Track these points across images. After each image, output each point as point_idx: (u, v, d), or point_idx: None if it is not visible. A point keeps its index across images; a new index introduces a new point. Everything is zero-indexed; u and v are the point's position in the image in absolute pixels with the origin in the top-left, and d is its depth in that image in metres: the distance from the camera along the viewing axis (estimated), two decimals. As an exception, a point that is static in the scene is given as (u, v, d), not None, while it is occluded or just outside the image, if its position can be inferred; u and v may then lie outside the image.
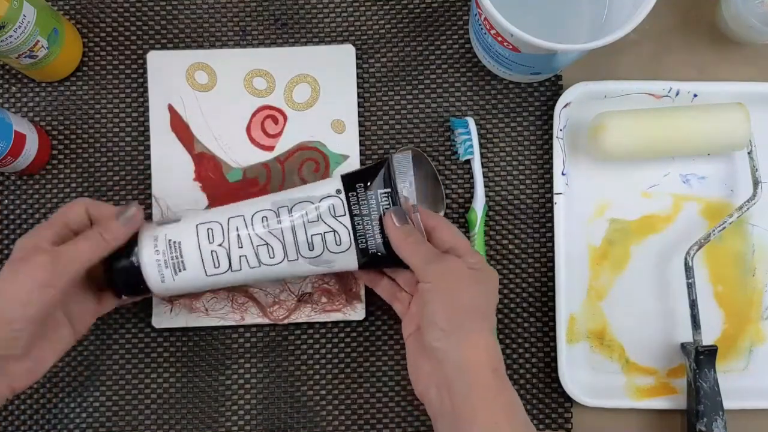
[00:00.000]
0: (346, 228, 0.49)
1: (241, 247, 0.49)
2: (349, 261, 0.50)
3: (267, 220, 0.49)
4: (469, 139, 0.57)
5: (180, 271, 0.49)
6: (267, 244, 0.49)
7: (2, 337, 0.44)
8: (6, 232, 0.58)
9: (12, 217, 0.58)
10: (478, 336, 0.45)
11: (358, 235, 0.49)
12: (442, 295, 0.46)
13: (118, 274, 0.49)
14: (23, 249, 0.46)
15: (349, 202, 0.49)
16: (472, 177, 0.59)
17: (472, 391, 0.44)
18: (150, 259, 0.49)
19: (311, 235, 0.49)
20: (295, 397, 0.57)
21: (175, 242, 0.49)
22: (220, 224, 0.49)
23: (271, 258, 0.49)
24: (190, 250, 0.49)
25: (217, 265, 0.49)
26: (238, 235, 0.49)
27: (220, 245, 0.49)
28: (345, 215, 0.49)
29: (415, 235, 0.48)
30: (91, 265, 0.47)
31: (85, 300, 0.50)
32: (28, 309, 0.44)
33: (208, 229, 0.49)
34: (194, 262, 0.49)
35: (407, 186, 0.49)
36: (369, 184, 0.49)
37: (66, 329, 0.49)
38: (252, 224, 0.49)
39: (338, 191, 0.49)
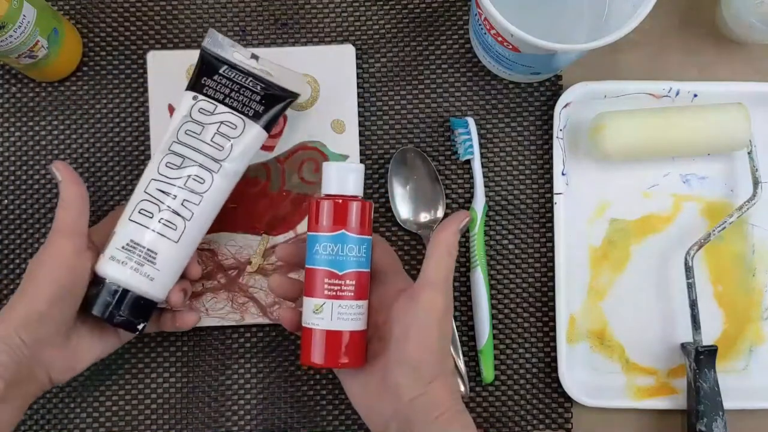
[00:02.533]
0: (227, 110, 0.50)
1: (176, 197, 0.49)
2: (255, 134, 0.51)
3: (172, 162, 0.50)
4: (469, 139, 0.57)
5: (153, 258, 0.48)
6: (189, 176, 0.49)
7: (33, 318, 0.45)
8: (6, 232, 0.58)
9: (11, 217, 0.58)
10: (444, 377, 0.45)
11: (239, 108, 0.50)
12: (430, 337, 0.45)
13: (125, 311, 0.48)
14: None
15: (208, 95, 0.50)
16: (472, 177, 0.59)
17: (436, 424, 0.44)
18: (124, 272, 0.48)
19: (210, 139, 0.50)
20: (295, 397, 0.57)
21: (127, 242, 0.48)
22: (146, 199, 0.49)
23: (202, 183, 0.49)
24: (142, 235, 0.48)
25: (174, 227, 0.49)
26: (163, 191, 0.49)
27: (161, 211, 0.49)
28: (215, 105, 0.50)
29: (455, 249, 0.47)
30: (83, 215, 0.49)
31: None
32: (46, 287, 0.46)
33: (140, 210, 0.49)
34: (156, 240, 0.48)
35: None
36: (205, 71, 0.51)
37: (114, 333, 0.50)
38: (164, 174, 0.49)
39: (195, 97, 0.51)
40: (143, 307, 0.49)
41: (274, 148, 0.58)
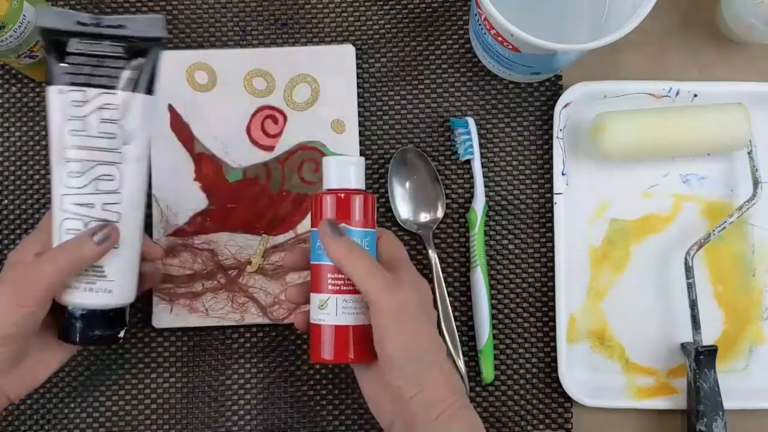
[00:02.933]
0: (98, 91, 0.45)
1: (94, 205, 0.46)
2: (141, 104, 0.47)
3: (72, 171, 0.46)
4: (469, 139, 0.57)
5: (102, 272, 0.47)
6: (96, 179, 0.46)
7: None
8: (6, 232, 0.58)
9: (11, 217, 0.58)
10: (438, 371, 0.44)
11: (109, 84, 0.46)
12: (400, 336, 0.43)
13: (98, 329, 0.47)
14: (8, 264, 0.46)
15: (70, 83, 0.45)
16: (472, 177, 0.59)
17: (436, 424, 0.43)
18: (81, 296, 0.46)
19: (97, 132, 0.45)
20: (296, 397, 0.57)
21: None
22: (67, 217, 0.46)
23: (112, 180, 0.46)
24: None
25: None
26: (80, 203, 0.46)
27: (87, 225, 0.46)
28: (82, 90, 0.45)
29: (360, 252, 0.44)
30: (63, 283, 0.45)
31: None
32: (3, 328, 0.44)
33: (66, 230, 0.46)
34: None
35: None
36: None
37: (54, 346, 0.48)
38: (71, 186, 0.46)
39: (60, 91, 0.45)
40: (114, 317, 0.48)
41: (274, 148, 0.58)
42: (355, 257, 0.44)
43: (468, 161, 0.58)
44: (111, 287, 0.47)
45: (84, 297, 0.46)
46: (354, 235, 0.46)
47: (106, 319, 0.47)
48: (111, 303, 0.47)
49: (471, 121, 0.58)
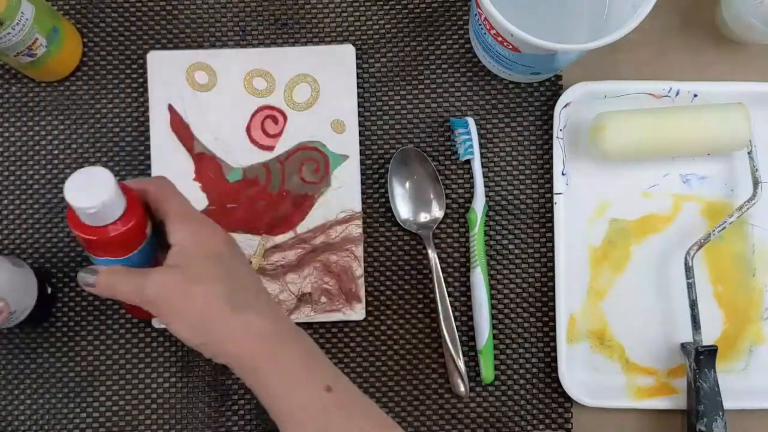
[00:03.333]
0: None
1: None
2: None
3: None
4: (469, 139, 0.57)
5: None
6: None
7: None
8: (6, 232, 0.58)
9: (11, 217, 0.58)
10: (236, 330, 0.41)
11: None
12: (175, 321, 0.41)
13: None
14: None
15: None
16: (472, 177, 0.59)
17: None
18: None
19: None
20: (295, 397, 0.57)
21: None
22: None
23: None
24: None
25: None
26: None
27: None
28: None
29: (115, 274, 0.42)
30: None
31: None
32: None
33: None
34: None
35: None
36: None
37: None
38: None
39: None
40: None
41: (274, 148, 0.58)
42: (115, 291, 0.42)
43: (468, 161, 0.58)
44: None
45: None
46: (120, 263, 0.43)
47: None
48: None
49: (471, 121, 0.58)
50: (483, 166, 0.59)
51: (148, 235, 0.43)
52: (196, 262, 0.42)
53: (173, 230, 0.42)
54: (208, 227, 0.43)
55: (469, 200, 0.59)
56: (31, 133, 0.59)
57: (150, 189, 0.43)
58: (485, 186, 0.59)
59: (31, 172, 0.59)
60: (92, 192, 0.39)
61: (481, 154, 0.59)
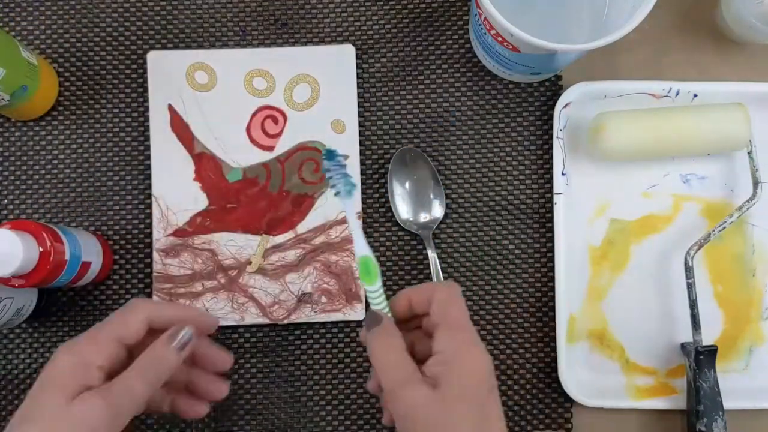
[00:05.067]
0: None
1: None
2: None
3: None
4: (345, 174, 0.43)
5: None
6: None
7: None
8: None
9: (11, 217, 0.58)
10: None
11: None
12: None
13: None
14: (66, 385, 0.38)
15: None
16: (473, 177, 0.58)
17: None
18: None
19: None
20: (295, 397, 0.57)
21: None
22: None
23: None
24: None
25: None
26: None
27: None
28: None
29: (388, 340, 0.40)
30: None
31: None
32: None
33: None
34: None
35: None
36: None
37: None
38: None
39: None
40: None
41: (274, 148, 0.58)
42: (372, 358, 0.40)
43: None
44: None
45: None
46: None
47: None
48: None
49: (341, 155, 0.44)
50: (483, 166, 0.59)
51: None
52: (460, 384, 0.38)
53: (442, 338, 0.39)
54: (478, 346, 0.40)
55: (470, 200, 0.59)
56: (31, 133, 0.59)
57: (439, 289, 0.41)
58: (485, 186, 0.59)
59: (30, 172, 0.59)
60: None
61: (482, 154, 0.59)
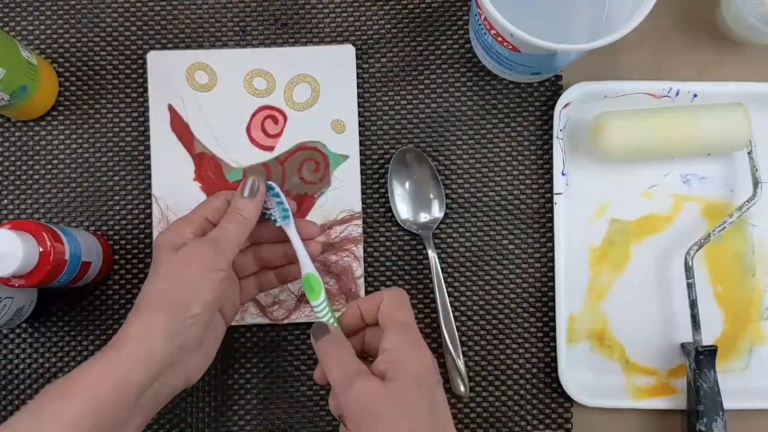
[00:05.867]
0: None
1: None
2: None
3: None
4: (281, 202, 0.49)
5: None
6: None
7: (182, 326, 0.43)
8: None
9: (11, 217, 0.58)
10: None
11: None
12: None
13: None
14: (170, 243, 0.45)
15: None
16: (473, 177, 0.58)
17: None
18: None
19: None
20: (295, 397, 0.57)
21: None
22: None
23: None
24: None
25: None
26: None
27: None
28: None
29: (335, 344, 0.44)
30: (240, 246, 0.46)
31: (232, 289, 0.50)
32: (203, 294, 0.43)
33: None
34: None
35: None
36: None
37: (220, 319, 0.49)
38: None
39: None
40: None
41: (274, 148, 0.58)
42: (324, 363, 0.44)
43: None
44: None
45: None
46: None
47: None
48: None
49: (275, 186, 0.49)
50: (483, 166, 0.59)
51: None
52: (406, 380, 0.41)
53: (389, 337, 0.43)
54: (422, 346, 0.43)
55: (470, 200, 0.59)
56: (31, 133, 0.59)
57: (387, 294, 0.45)
58: (485, 186, 0.59)
59: (30, 172, 0.59)
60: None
61: (482, 154, 0.59)
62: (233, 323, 0.56)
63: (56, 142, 0.59)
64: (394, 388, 0.40)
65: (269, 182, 0.49)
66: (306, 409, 0.57)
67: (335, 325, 0.47)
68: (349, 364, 0.42)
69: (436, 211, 0.58)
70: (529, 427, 0.57)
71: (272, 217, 0.49)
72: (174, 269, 0.44)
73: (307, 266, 0.48)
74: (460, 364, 0.56)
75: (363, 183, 0.58)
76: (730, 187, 0.59)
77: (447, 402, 0.43)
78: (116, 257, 0.58)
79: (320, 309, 0.48)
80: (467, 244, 0.58)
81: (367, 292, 0.57)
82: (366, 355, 0.47)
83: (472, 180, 0.59)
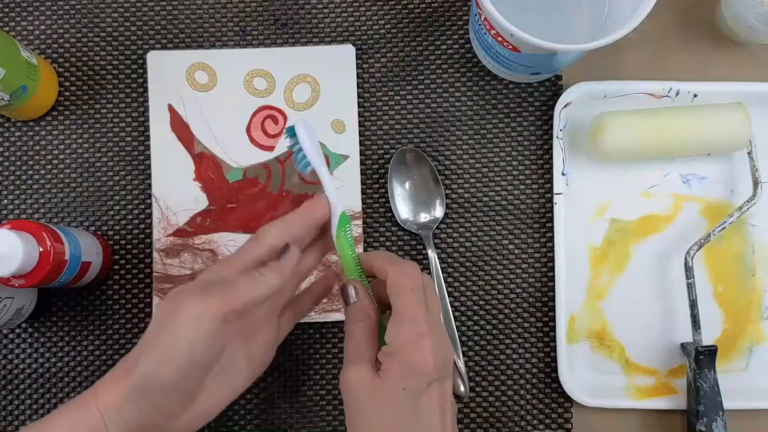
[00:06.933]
0: None
1: None
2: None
3: None
4: (301, 149, 0.44)
5: None
6: None
7: (153, 397, 0.38)
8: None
9: (11, 217, 0.58)
10: None
11: None
12: (347, 420, 0.40)
13: None
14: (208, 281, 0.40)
15: None
16: (473, 177, 0.58)
17: None
18: None
19: None
20: (295, 397, 0.57)
21: None
22: None
23: None
24: None
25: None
26: None
27: None
28: None
29: (358, 318, 0.42)
30: (262, 301, 0.40)
31: (263, 332, 0.44)
32: (180, 355, 0.37)
33: None
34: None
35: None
36: None
37: (238, 366, 0.42)
38: None
39: None
40: None
41: (274, 148, 0.58)
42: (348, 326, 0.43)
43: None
44: None
45: None
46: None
47: None
48: None
49: (300, 125, 0.44)
50: (483, 166, 0.59)
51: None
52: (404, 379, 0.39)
53: (391, 329, 0.40)
54: (427, 340, 0.39)
55: (469, 200, 0.59)
56: (31, 133, 0.59)
57: (391, 271, 0.41)
58: (485, 186, 0.59)
59: (30, 172, 0.59)
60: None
61: (481, 154, 0.59)
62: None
63: (56, 142, 0.59)
64: (380, 384, 0.39)
65: (289, 126, 0.44)
66: (306, 409, 0.57)
67: (366, 285, 0.43)
68: (356, 346, 0.41)
69: (436, 211, 0.58)
70: (529, 427, 0.57)
71: (296, 166, 0.44)
72: (159, 319, 0.38)
73: (339, 208, 0.44)
74: (460, 364, 0.56)
75: (363, 183, 0.58)
76: (730, 187, 0.59)
77: (446, 402, 0.41)
78: (116, 257, 0.58)
79: (342, 264, 0.44)
80: (467, 244, 0.58)
81: (367, 292, 0.57)
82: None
83: (472, 180, 0.59)
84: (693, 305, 0.55)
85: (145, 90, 0.59)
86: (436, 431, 0.40)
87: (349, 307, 0.42)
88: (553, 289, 0.57)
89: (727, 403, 0.53)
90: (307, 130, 0.44)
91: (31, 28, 0.60)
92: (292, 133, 0.44)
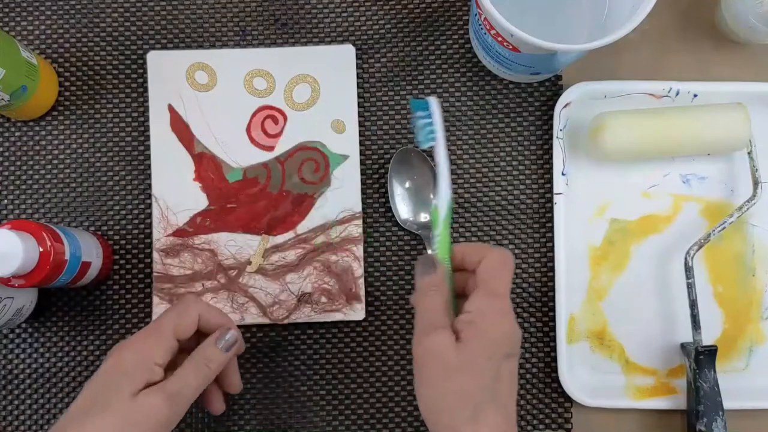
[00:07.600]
0: None
1: None
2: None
3: None
4: (431, 123, 0.46)
5: None
6: None
7: None
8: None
9: (11, 217, 0.58)
10: (471, 425, 0.40)
11: None
12: (421, 388, 0.42)
13: None
14: (131, 369, 0.42)
15: None
16: (473, 177, 0.58)
17: None
18: None
19: None
20: (295, 397, 0.57)
21: None
22: None
23: None
24: None
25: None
26: None
27: None
28: None
29: (433, 289, 0.43)
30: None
31: None
32: None
33: None
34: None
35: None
36: None
37: None
38: None
39: None
40: None
41: (274, 148, 0.58)
42: (417, 301, 0.44)
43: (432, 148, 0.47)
44: None
45: None
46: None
47: None
48: None
49: (433, 101, 0.46)
50: (483, 167, 0.59)
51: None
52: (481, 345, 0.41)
53: (475, 300, 0.42)
54: (507, 316, 0.42)
55: (470, 200, 0.59)
56: (31, 133, 0.59)
57: (494, 251, 0.44)
58: (485, 186, 0.59)
59: (30, 172, 0.59)
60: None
61: (481, 153, 0.59)
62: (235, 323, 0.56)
63: (56, 142, 0.59)
64: (464, 348, 0.40)
65: (423, 99, 0.46)
66: (306, 409, 0.57)
67: (447, 261, 0.45)
68: (434, 315, 0.42)
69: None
70: (529, 427, 0.57)
71: (417, 138, 0.46)
72: (124, 426, 0.41)
73: (449, 191, 0.46)
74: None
75: (363, 183, 0.58)
76: (730, 187, 0.59)
77: (516, 378, 0.43)
78: (116, 257, 0.58)
79: (437, 241, 0.45)
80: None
81: (367, 292, 0.57)
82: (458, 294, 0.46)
83: (472, 180, 0.59)
84: (693, 305, 0.55)
85: (145, 90, 0.59)
86: (511, 401, 0.42)
87: (426, 279, 0.43)
88: (553, 288, 0.57)
89: (727, 403, 0.53)
90: (439, 108, 0.46)
91: (31, 28, 0.60)
92: (420, 106, 0.46)
